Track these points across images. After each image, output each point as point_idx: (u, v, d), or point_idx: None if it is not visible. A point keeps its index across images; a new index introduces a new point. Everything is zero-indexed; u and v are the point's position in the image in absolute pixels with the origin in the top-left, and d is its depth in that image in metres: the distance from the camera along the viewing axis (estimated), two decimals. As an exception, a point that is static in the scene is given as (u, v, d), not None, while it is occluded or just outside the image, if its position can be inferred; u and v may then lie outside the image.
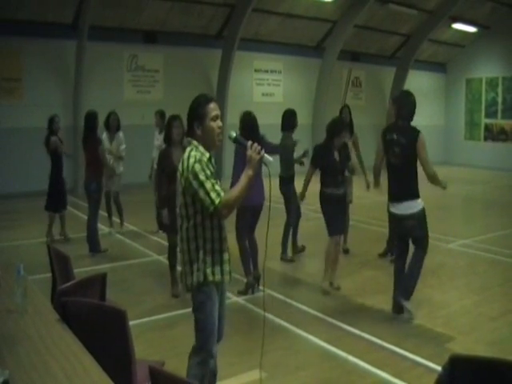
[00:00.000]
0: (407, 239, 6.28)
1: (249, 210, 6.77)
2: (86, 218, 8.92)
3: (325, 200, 7.11)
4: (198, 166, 3.56)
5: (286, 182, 8.33)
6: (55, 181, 9.29)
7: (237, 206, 3.70)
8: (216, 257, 3.71)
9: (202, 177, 3.55)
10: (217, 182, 3.61)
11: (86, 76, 14.58)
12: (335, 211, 7.07)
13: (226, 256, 3.78)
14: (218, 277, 3.72)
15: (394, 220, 6.36)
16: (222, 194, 3.56)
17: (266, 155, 3.62)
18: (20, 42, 13.78)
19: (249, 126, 6.80)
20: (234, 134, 3.75)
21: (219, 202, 3.53)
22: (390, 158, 6.13)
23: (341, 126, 7.19)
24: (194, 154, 3.62)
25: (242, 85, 18.15)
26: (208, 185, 3.54)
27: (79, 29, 14.21)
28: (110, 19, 14.93)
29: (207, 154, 3.68)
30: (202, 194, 3.56)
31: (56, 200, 9.30)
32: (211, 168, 3.65)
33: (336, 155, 7.05)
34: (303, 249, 8.81)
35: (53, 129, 9.20)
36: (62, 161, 9.39)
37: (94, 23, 14.16)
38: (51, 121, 9.26)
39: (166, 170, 6.68)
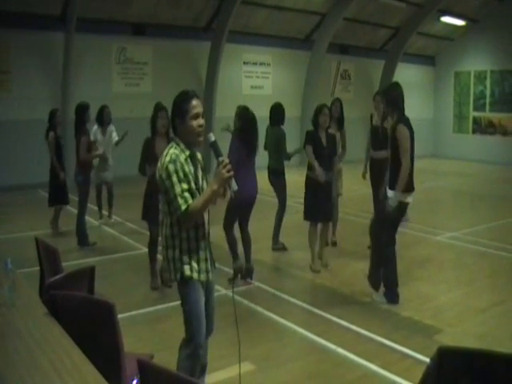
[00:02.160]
0: None
1: (244, 202, 6.81)
2: (74, 211, 8.88)
3: (309, 184, 7.41)
4: (171, 167, 3.55)
5: (276, 173, 8.45)
6: (54, 175, 9.22)
7: (199, 218, 3.66)
8: (192, 256, 3.71)
9: (173, 178, 3.54)
10: (190, 187, 3.58)
11: (75, 68, 14.48)
12: (316, 196, 7.31)
13: (202, 254, 3.75)
14: (195, 274, 3.71)
15: (404, 210, 6.45)
16: (190, 201, 3.55)
17: (233, 180, 3.59)
18: (8, 34, 13.62)
19: (250, 123, 6.87)
20: (212, 139, 3.68)
21: (184, 210, 3.52)
22: (412, 150, 6.19)
23: (320, 106, 7.46)
24: (172, 153, 3.61)
25: (230, 77, 18.10)
26: (177, 189, 3.54)
27: (67, 21, 14.09)
28: (99, 11, 14.80)
29: (187, 152, 3.66)
30: (170, 195, 3.57)
31: (56, 194, 9.24)
32: (189, 167, 3.63)
33: (324, 140, 7.37)
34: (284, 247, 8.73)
35: (53, 123, 9.10)
36: (61, 155, 9.31)
37: (82, 15, 14.04)
38: (52, 115, 9.14)
39: (148, 159, 6.70)
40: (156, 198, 6.51)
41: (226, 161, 3.58)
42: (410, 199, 6.35)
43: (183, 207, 3.52)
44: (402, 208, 6.33)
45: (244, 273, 7.07)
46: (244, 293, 6.66)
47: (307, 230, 7.57)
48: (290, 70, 19.54)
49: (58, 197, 9.20)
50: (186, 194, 3.55)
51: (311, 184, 7.39)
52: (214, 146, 3.68)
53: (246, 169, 6.74)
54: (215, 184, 3.56)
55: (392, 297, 6.43)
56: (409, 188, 6.26)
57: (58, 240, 8.65)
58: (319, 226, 7.64)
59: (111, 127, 10.18)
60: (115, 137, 10.18)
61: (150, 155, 6.61)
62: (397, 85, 6.55)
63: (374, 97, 8.77)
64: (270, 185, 8.58)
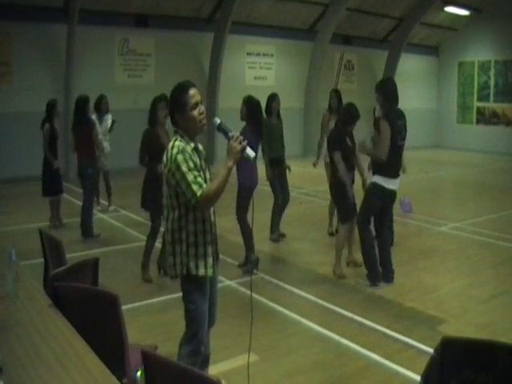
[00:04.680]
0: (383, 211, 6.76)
1: (251, 191, 6.91)
2: (77, 202, 8.89)
3: (338, 185, 7.15)
4: (180, 157, 3.51)
5: (280, 162, 8.48)
6: (47, 166, 9.21)
7: (216, 199, 3.57)
8: (199, 250, 3.66)
9: (184, 168, 3.49)
10: (200, 175, 3.55)
11: (77, 60, 14.48)
12: (344, 196, 7.10)
13: (209, 249, 3.70)
14: (201, 271, 3.66)
15: (388, 196, 6.59)
16: (205, 186, 3.52)
17: (248, 148, 3.55)
18: (9, 26, 13.61)
19: (256, 110, 7.08)
20: (217, 122, 3.64)
21: (201, 195, 3.47)
22: (397, 141, 6.45)
23: (357, 115, 7.21)
24: (178, 144, 3.57)
25: (234, 68, 18.07)
26: (190, 177, 3.49)
27: (70, 12, 14.07)
28: (101, 3, 14.77)
29: (192, 144, 3.64)
30: (183, 185, 3.51)
31: (51, 184, 9.23)
32: (196, 158, 3.60)
33: (348, 141, 7.19)
34: (284, 235, 8.76)
35: (51, 114, 9.03)
36: (55, 146, 9.29)
37: (84, 7, 14.01)
38: (52, 106, 9.05)
39: (152, 149, 6.69)
40: (159, 187, 6.53)
41: (236, 134, 3.55)
42: (392, 186, 6.51)
43: (199, 193, 3.47)
44: (379, 192, 6.51)
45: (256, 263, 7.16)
46: (247, 284, 6.66)
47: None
48: (293, 60, 19.48)
49: (52, 188, 9.20)
50: (199, 180, 3.51)
51: (340, 185, 7.10)
52: (220, 127, 3.63)
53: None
54: (229, 160, 3.51)
55: (373, 279, 6.62)
56: (390, 174, 6.47)
57: (61, 231, 8.68)
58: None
59: (108, 116, 10.46)
60: (109, 124, 10.47)
61: (156, 146, 6.59)
62: (392, 80, 6.86)
63: (375, 88, 8.74)
64: (273, 177, 8.54)
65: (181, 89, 3.65)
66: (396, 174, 6.57)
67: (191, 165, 3.53)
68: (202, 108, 3.65)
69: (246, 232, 7.07)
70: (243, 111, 7.07)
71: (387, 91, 6.54)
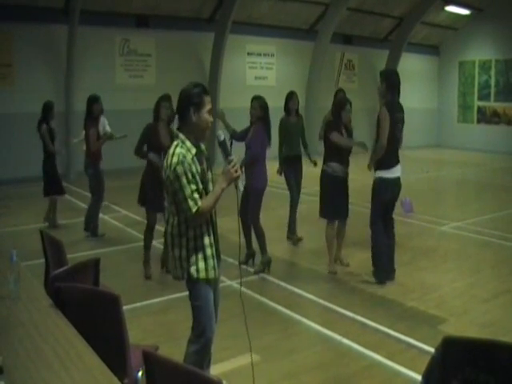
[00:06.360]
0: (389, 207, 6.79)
1: (263, 193, 7.04)
2: (78, 203, 8.89)
3: (326, 178, 7.12)
4: (180, 169, 3.49)
5: (299, 159, 8.52)
6: (47, 167, 9.20)
7: (208, 215, 3.66)
8: (199, 254, 3.67)
9: (183, 181, 3.50)
10: (197, 189, 3.55)
11: (78, 61, 14.47)
12: (334, 192, 7.08)
13: (209, 251, 3.70)
14: (202, 274, 3.67)
15: (394, 185, 6.61)
16: (200, 203, 3.53)
17: (240, 180, 3.64)
18: (10, 27, 13.61)
19: (268, 112, 7.10)
20: (221, 137, 3.68)
21: (196, 211, 3.51)
22: (396, 133, 6.51)
23: (344, 100, 7.31)
24: (178, 153, 3.53)
25: (234, 68, 18.07)
26: (187, 191, 3.51)
27: (70, 13, 14.06)
28: (102, 3, 14.78)
29: (193, 150, 3.60)
30: (180, 197, 3.54)
31: (51, 184, 9.24)
32: (196, 167, 3.58)
33: (344, 132, 7.15)
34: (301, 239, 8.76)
35: (47, 116, 9.01)
36: (53, 146, 9.29)
37: (85, 7, 14.02)
38: (49, 108, 9.03)
39: (150, 144, 6.83)
40: (156, 184, 6.56)
41: (235, 160, 3.59)
42: (394, 174, 6.56)
43: (194, 209, 3.51)
44: (385, 185, 6.55)
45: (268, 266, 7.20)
46: (249, 284, 6.66)
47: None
48: (294, 60, 19.48)
49: (53, 187, 9.21)
50: (196, 196, 3.53)
51: (328, 180, 7.08)
52: (223, 145, 3.68)
53: (263, 159, 7.02)
54: (224, 182, 3.57)
55: (379, 276, 6.66)
56: (388, 164, 6.51)
57: (62, 232, 8.68)
58: (336, 224, 7.37)
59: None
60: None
61: (154, 142, 6.74)
62: (397, 72, 6.91)
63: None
64: (289, 174, 8.54)
65: (201, 89, 3.63)
66: (395, 161, 6.59)
67: (190, 177, 3.53)
68: (211, 118, 3.68)
69: (261, 233, 7.14)
70: (259, 114, 7.00)
71: (392, 81, 6.57)
